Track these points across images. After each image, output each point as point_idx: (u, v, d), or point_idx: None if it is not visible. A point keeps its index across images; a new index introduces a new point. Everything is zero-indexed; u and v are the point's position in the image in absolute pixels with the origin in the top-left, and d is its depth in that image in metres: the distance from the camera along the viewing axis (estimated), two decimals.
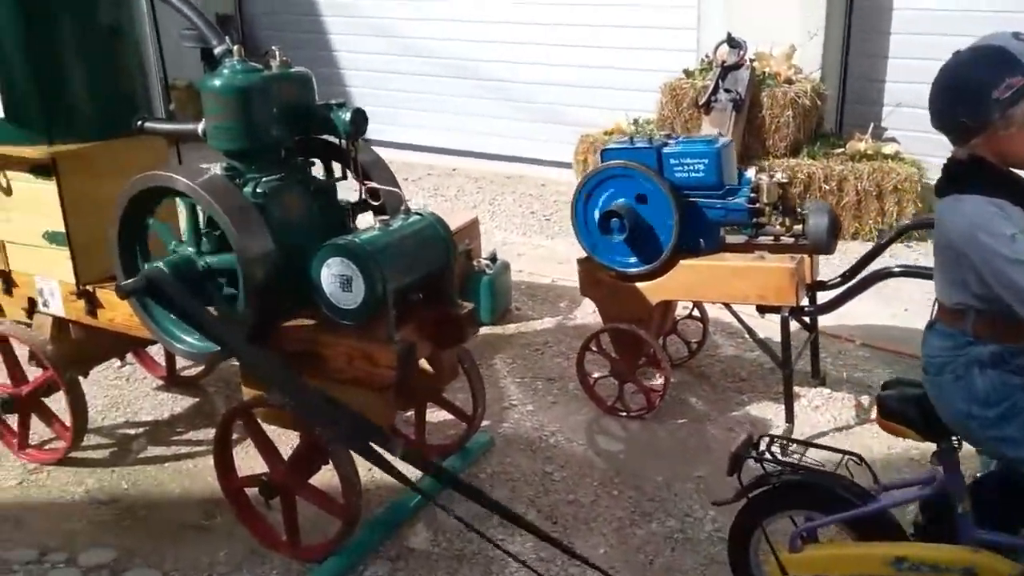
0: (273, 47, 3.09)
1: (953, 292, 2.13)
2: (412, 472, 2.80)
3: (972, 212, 2.02)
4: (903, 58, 6.53)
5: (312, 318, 3.07)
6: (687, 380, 4.23)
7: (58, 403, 3.61)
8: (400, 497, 3.28)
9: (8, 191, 3.46)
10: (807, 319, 3.98)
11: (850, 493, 2.34)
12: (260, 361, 2.84)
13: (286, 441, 3.41)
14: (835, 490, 2.34)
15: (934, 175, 2.31)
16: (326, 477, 3.03)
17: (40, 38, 3.17)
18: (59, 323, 3.61)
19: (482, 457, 3.65)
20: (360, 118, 3.06)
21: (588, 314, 5.08)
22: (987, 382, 2.10)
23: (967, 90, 2.03)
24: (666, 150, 3.70)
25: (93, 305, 3.44)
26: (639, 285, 3.81)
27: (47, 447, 3.79)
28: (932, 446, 2.30)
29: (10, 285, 3.66)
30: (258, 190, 2.98)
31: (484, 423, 3.69)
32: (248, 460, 3.33)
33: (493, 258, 5.05)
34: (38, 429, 3.76)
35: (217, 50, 3.09)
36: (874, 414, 2.44)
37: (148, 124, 3.35)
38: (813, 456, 2.42)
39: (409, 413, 3.63)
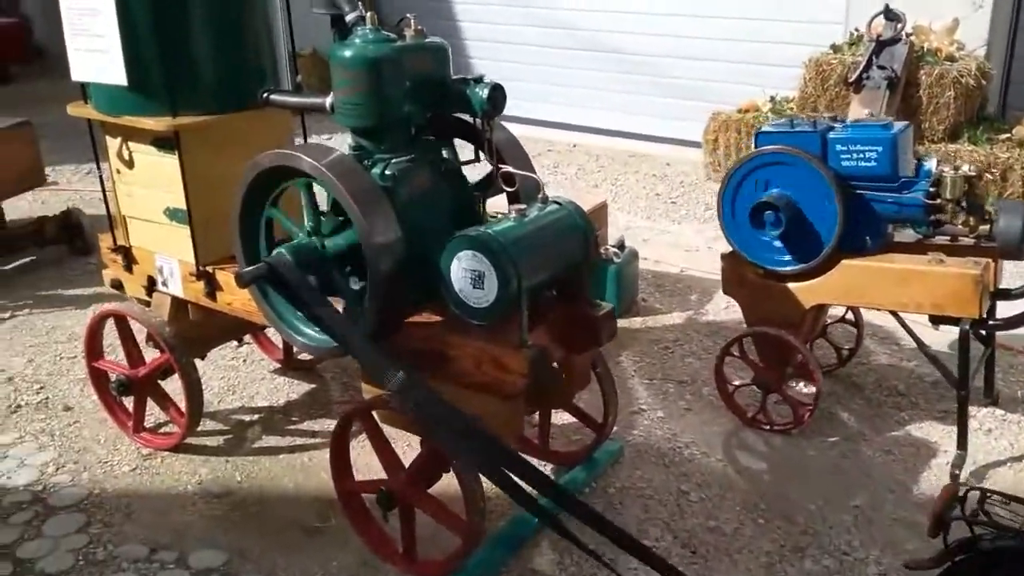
0: (408, 15, 2.83)
1: None
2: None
3: None
4: None
5: (438, 314, 2.84)
6: (836, 391, 3.84)
7: (175, 384, 3.49)
8: (524, 512, 3.02)
9: (130, 163, 3.33)
10: (983, 332, 3.53)
11: None
12: (383, 364, 2.61)
13: (402, 438, 3.20)
14: None
15: None
16: (444, 483, 2.80)
17: (167, 4, 2.99)
18: (177, 303, 3.48)
19: (610, 468, 3.36)
20: (499, 95, 2.79)
21: (721, 310, 4.72)
22: None
23: None
24: (832, 135, 3.30)
25: (212, 287, 3.29)
26: (791, 286, 3.43)
27: (162, 431, 3.69)
28: None
29: (130, 261, 3.54)
30: (387, 172, 2.74)
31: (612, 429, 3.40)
32: (364, 456, 3.12)
33: (621, 245, 4.72)
34: (154, 410, 3.66)
35: (349, 17, 2.85)
36: None
37: (274, 97, 3.15)
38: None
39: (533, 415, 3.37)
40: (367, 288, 2.66)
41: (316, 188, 2.78)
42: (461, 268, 2.59)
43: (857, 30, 6.40)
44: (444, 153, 2.99)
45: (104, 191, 3.50)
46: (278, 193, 2.87)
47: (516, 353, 2.58)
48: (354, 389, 3.95)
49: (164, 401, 3.57)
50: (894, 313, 3.41)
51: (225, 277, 3.25)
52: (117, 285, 3.69)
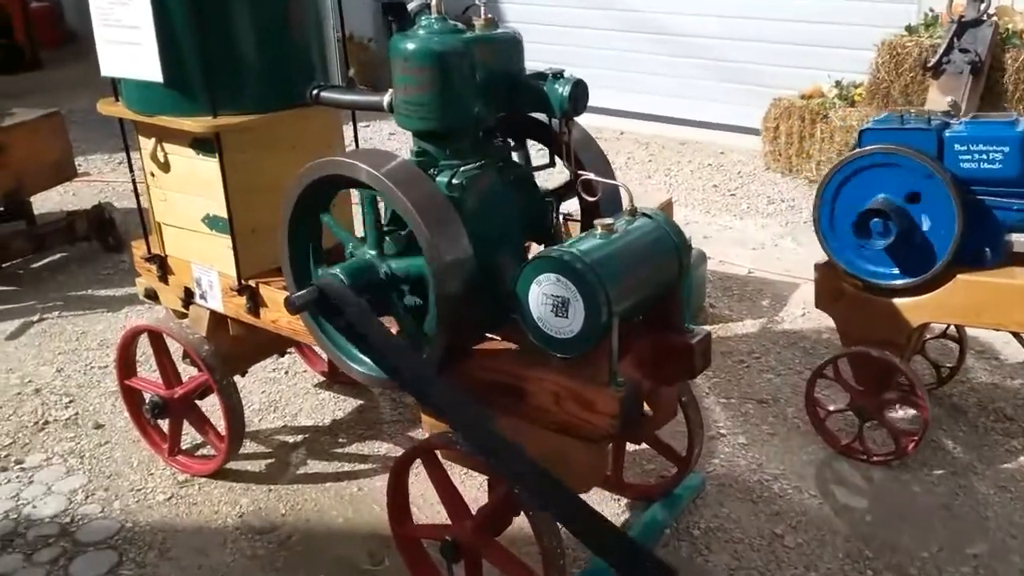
0: (476, 2, 2.50)
1: None
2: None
3: None
4: None
5: (510, 340, 2.52)
6: (937, 415, 3.46)
7: (213, 402, 3.21)
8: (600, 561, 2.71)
9: (165, 167, 3.03)
10: None
11: None
12: (452, 403, 2.29)
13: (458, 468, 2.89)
14: None
15: None
16: (515, 526, 2.50)
17: None
18: (217, 318, 3.18)
19: (693, 505, 3.03)
20: (581, 93, 2.45)
21: (798, 317, 4.36)
22: None
23: None
24: (950, 133, 2.93)
25: (255, 303, 2.99)
26: (898, 302, 3.07)
27: (199, 454, 3.41)
28: None
29: (166, 272, 3.25)
30: (454, 181, 2.42)
31: None
32: (419, 484, 2.81)
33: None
34: (191, 429, 3.38)
35: (412, 5, 2.51)
36: None
37: (325, 94, 2.83)
38: None
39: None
40: (432, 313, 2.34)
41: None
42: (541, 293, 2.26)
43: (932, 10, 5.96)
44: (515, 158, 2.66)
45: (137, 196, 3.21)
46: (330, 201, 2.55)
47: (604, 391, 2.26)
48: (405, 407, 3.65)
49: (202, 424, 3.28)
50: (1016, 335, 3.04)
51: (270, 293, 2.95)
52: (151, 295, 3.40)
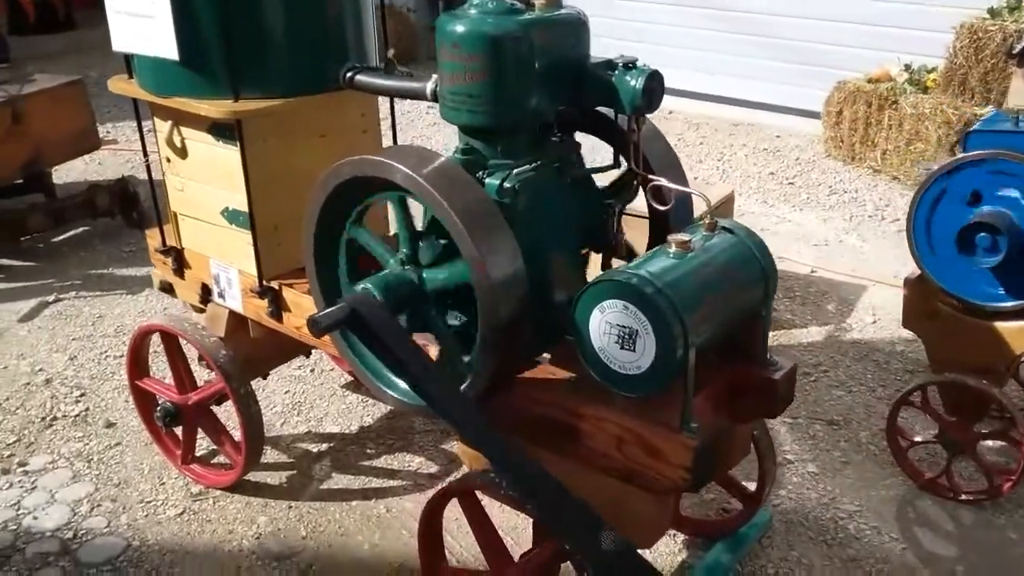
0: None
1: None
2: None
3: None
4: None
5: (564, 366, 2.21)
6: None
7: (231, 409, 2.93)
8: None
9: (183, 152, 2.73)
10: None
11: None
12: (495, 441, 1.98)
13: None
14: None
15: None
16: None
17: None
18: (236, 318, 2.90)
19: (759, 546, 2.71)
20: (656, 86, 2.11)
21: (868, 325, 4.00)
22: None
23: None
24: None
25: (278, 307, 2.70)
26: (1000, 325, 2.71)
27: (216, 462, 3.14)
28: None
29: (182, 265, 2.97)
30: (506, 184, 2.09)
31: None
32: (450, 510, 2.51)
33: None
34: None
35: None
36: None
37: (360, 77, 2.50)
38: None
39: None
40: (478, 336, 2.03)
41: (412, 203, 2.14)
42: (604, 322, 1.94)
43: None
44: (572, 157, 2.32)
45: (152, 183, 2.93)
46: (363, 209, 2.23)
47: (675, 438, 1.94)
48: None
49: (218, 433, 3.01)
50: None
51: (295, 297, 2.65)
52: (167, 288, 3.13)
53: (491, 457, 2.01)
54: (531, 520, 2.26)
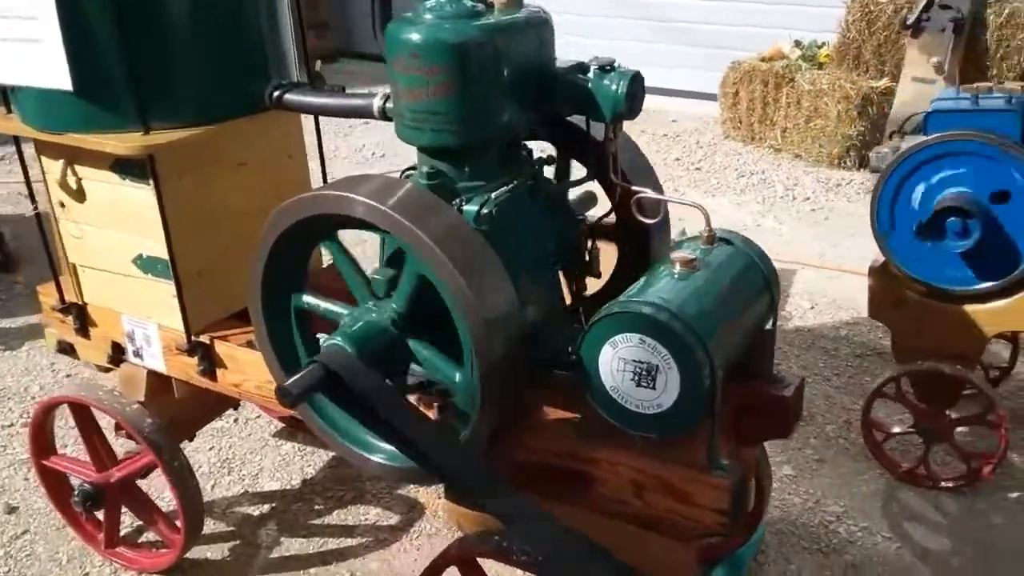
0: None
1: None
2: None
3: None
4: None
5: (558, 407, 1.99)
6: None
7: (156, 479, 2.59)
8: None
9: (79, 195, 2.36)
10: None
11: None
12: (507, 499, 1.75)
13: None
14: None
15: None
16: None
17: None
18: (158, 377, 2.55)
19: (755, 563, 2.57)
20: (639, 89, 1.92)
21: (806, 311, 3.95)
22: None
23: None
24: None
25: (211, 364, 2.37)
26: (970, 309, 2.66)
27: (144, 539, 2.78)
28: None
29: (85, 323, 2.59)
30: (484, 210, 1.85)
31: None
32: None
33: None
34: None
35: None
36: None
37: (289, 97, 2.21)
38: None
39: None
40: (471, 384, 1.79)
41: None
42: (617, 358, 1.73)
43: None
44: (541, 172, 2.10)
45: (43, 231, 2.53)
46: (312, 250, 1.95)
47: (704, 478, 1.75)
48: None
49: (147, 511, 2.65)
50: None
51: (230, 350, 2.34)
52: (67, 350, 2.73)
53: (511, 519, 1.78)
54: None
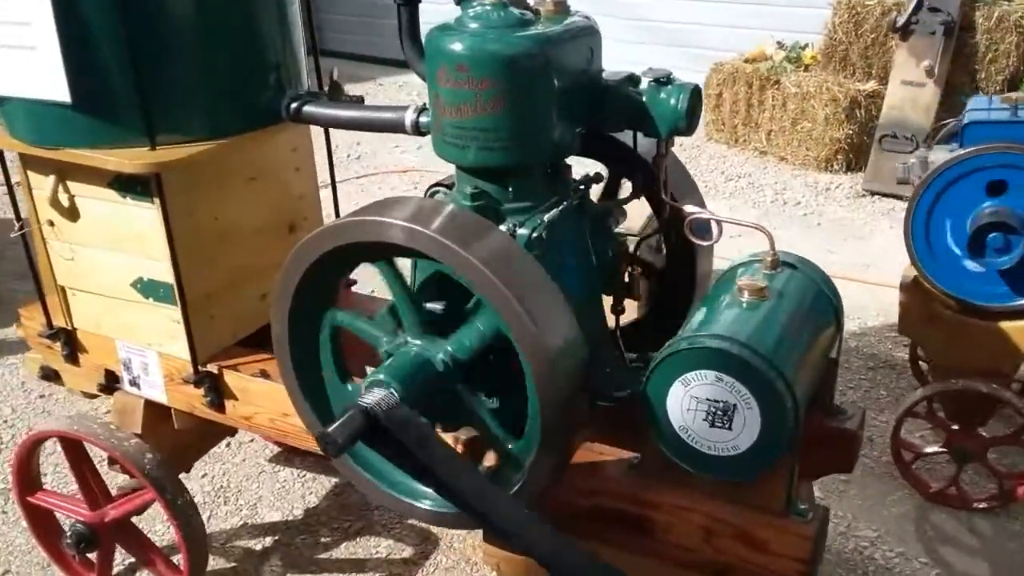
0: None
1: None
2: None
3: None
4: None
5: (608, 443, 1.85)
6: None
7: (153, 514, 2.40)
8: None
9: (72, 214, 2.16)
10: None
11: None
12: (561, 549, 1.61)
13: None
14: None
15: None
16: None
17: None
18: (154, 407, 2.36)
19: None
20: (698, 104, 1.78)
21: None
22: None
23: None
24: None
25: (219, 395, 2.19)
26: (1006, 325, 2.57)
27: None
28: None
29: (74, 349, 2.39)
30: (534, 234, 1.71)
31: None
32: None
33: None
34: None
35: None
36: None
37: (309, 109, 2.04)
38: None
39: None
40: (532, 422, 1.64)
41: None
42: (689, 397, 1.60)
43: None
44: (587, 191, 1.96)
45: (28, 250, 2.32)
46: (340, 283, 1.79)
47: (782, 524, 1.63)
48: None
49: (144, 550, 2.45)
50: None
51: (241, 382, 2.16)
52: (50, 376, 2.53)
53: (559, 567, 1.63)
54: None
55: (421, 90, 6.84)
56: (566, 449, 1.66)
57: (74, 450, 2.36)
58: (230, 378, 2.17)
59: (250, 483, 2.98)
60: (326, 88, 2.25)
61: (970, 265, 2.50)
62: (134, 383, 2.33)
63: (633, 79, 1.82)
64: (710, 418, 1.60)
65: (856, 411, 1.89)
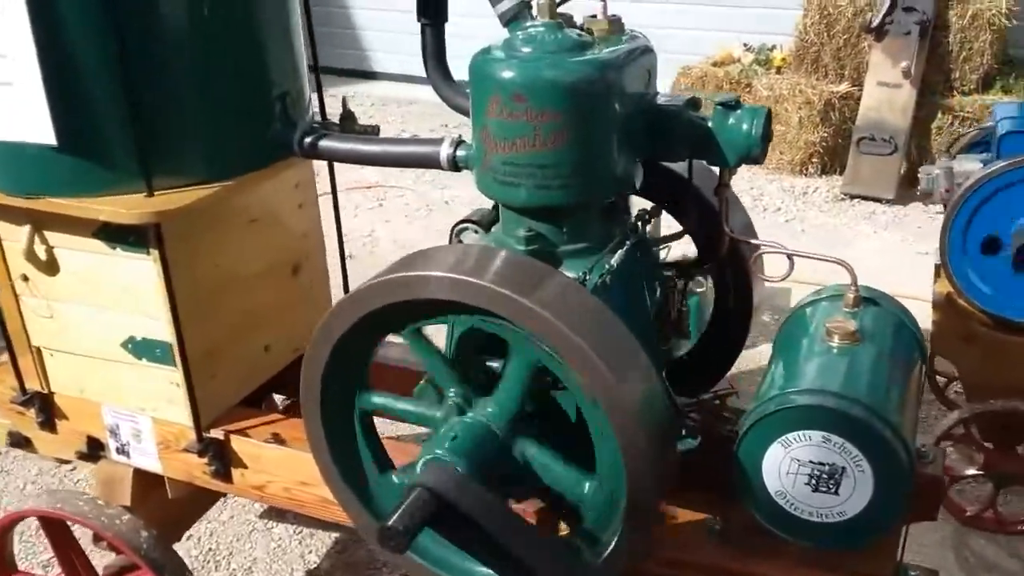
0: None
1: None
2: None
3: None
4: None
5: (677, 505, 1.68)
6: None
7: None
8: None
9: (50, 267, 1.91)
10: None
11: None
12: None
13: None
14: None
15: None
16: None
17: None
18: (145, 476, 2.12)
19: None
20: (769, 126, 1.61)
21: None
22: None
23: None
24: None
25: (224, 463, 1.96)
26: None
27: None
28: None
29: (51, 415, 2.13)
30: (598, 280, 1.53)
31: None
32: None
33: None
34: None
35: (503, 6, 1.56)
36: None
37: (326, 144, 1.82)
38: None
39: None
40: (609, 491, 1.45)
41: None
42: (790, 459, 1.43)
43: None
44: (645, 228, 1.79)
45: None
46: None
47: None
48: None
49: None
50: None
51: (250, 448, 1.94)
52: (20, 443, 2.26)
53: None
54: None
55: (379, 101, 6.53)
56: (653, 520, 1.47)
57: (57, 530, 2.10)
58: (238, 444, 1.94)
59: (242, 543, 2.74)
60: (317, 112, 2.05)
61: (1009, 280, 2.39)
62: (122, 451, 2.09)
63: (695, 103, 1.64)
64: (813, 482, 1.43)
65: (936, 453, 1.75)
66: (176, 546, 2.59)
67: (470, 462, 1.43)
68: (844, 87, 5.21)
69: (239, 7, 1.72)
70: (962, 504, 2.71)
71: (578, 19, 1.63)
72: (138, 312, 1.86)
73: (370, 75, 7.45)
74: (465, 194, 5.04)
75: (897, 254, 4.36)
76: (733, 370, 2.06)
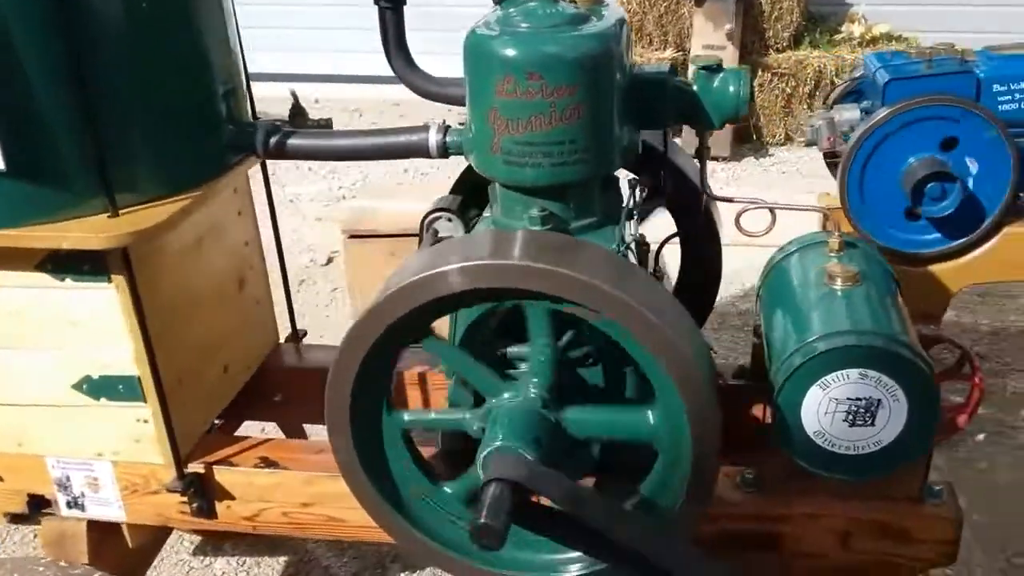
0: None
1: None
2: None
3: None
4: None
5: None
6: None
7: None
8: None
9: None
10: None
11: None
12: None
13: None
14: None
15: None
16: None
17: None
18: (101, 528, 1.93)
19: None
20: (750, 86, 1.67)
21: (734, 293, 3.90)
22: None
23: None
24: (983, 73, 2.56)
25: (208, 500, 1.81)
26: (935, 269, 2.70)
27: None
28: None
29: None
30: (623, 251, 1.54)
31: None
32: None
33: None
34: None
35: None
36: None
37: (295, 142, 1.70)
38: None
39: None
40: (673, 464, 1.46)
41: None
42: (828, 399, 1.50)
43: None
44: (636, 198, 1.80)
45: None
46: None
47: (926, 510, 1.59)
48: (347, 549, 2.57)
49: None
50: None
51: (237, 477, 1.80)
52: None
53: None
54: None
55: (275, 97, 6.18)
56: (712, 488, 1.49)
57: None
58: (223, 476, 1.80)
59: None
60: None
61: (903, 217, 2.60)
62: (75, 504, 1.89)
63: (674, 70, 1.67)
64: (851, 417, 1.51)
65: (944, 487, 1.70)
66: None
67: (527, 443, 1.39)
68: (669, 53, 5.43)
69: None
70: None
71: None
72: (94, 347, 1.68)
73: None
74: (307, 190, 4.90)
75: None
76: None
